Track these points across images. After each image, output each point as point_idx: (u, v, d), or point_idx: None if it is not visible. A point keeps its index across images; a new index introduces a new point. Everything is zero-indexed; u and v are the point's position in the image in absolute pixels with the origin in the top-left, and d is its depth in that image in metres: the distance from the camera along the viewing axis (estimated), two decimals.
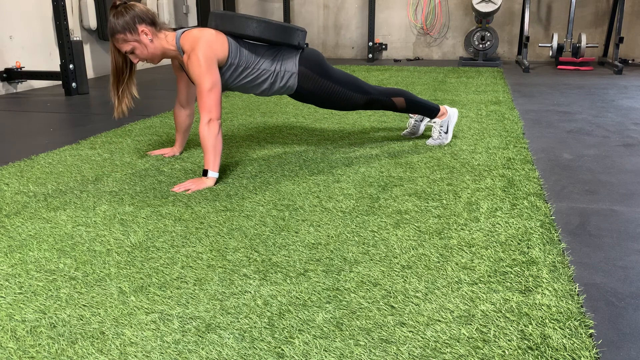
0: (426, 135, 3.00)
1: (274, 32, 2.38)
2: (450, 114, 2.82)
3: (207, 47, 2.24)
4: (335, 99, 2.56)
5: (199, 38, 2.25)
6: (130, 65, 2.33)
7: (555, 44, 6.27)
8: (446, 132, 2.82)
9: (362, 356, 1.15)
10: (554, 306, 1.32)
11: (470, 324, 1.26)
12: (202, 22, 6.97)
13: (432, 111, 2.79)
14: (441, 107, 2.82)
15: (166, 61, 6.83)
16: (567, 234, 1.77)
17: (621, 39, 5.99)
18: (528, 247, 1.64)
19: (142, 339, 1.22)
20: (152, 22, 2.27)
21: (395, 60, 7.33)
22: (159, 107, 3.99)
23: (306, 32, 2.51)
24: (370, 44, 7.08)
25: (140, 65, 6.31)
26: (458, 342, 1.19)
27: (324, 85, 2.50)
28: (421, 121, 2.97)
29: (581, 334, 1.21)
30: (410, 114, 2.95)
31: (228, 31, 2.35)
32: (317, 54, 2.54)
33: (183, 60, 2.30)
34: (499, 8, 6.20)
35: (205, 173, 2.23)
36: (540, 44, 6.72)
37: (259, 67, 2.40)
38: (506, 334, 1.22)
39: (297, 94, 2.54)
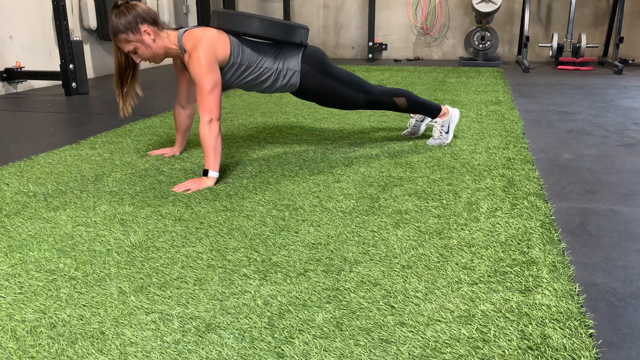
0: (426, 135, 3.01)
1: (276, 30, 2.38)
2: (452, 115, 2.82)
3: (209, 47, 2.24)
4: (336, 98, 2.57)
5: (201, 38, 2.25)
6: (133, 65, 2.33)
7: (555, 44, 6.27)
8: (447, 132, 2.82)
9: (362, 356, 1.15)
10: (554, 306, 1.32)
11: (470, 324, 1.26)
12: (202, 22, 6.97)
13: (433, 111, 2.79)
14: (442, 107, 2.82)
15: (167, 61, 6.83)
16: (567, 234, 1.77)
17: (621, 39, 5.99)
18: (528, 247, 1.64)
19: (142, 339, 1.22)
20: (154, 21, 2.27)
21: (395, 60, 7.33)
22: (159, 107, 3.99)
23: (308, 29, 2.52)
24: (370, 44, 7.08)
25: (141, 65, 6.31)
26: (458, 342, 1.19)
27: (326, 83, 2.50)
28: (422, 121, 2.97)
29: (581, 334, 1.21)
30: (411, 114, 2.96)
31: (230, 30, 2.35)
32: (320, 52, 2.54)
33: (185, 59, 2.30)
34: (499, 8, 6.20)
35: (205, 173, 2.23)
36: (540, 44, 6.72)
37: (262, 66, 2.40)
38: (506, 334, 1.22)
39: (299, 92, 2.54)
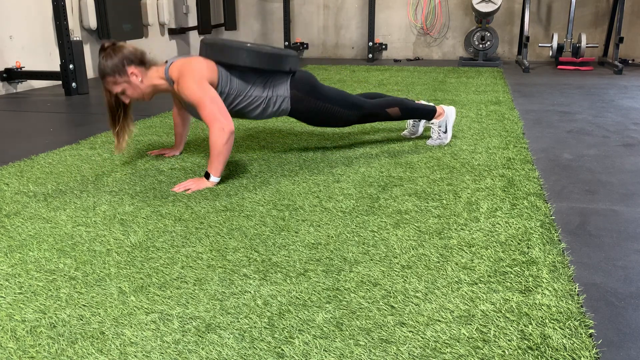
0: (426, 135, 3.01)
1: (264, 60, 2.38)
2: (448, 114, 2.81)
3: (196, 69, 2.25)
4: (329, 118, 2.58)
5: (186, 63, 2.27)
6: (124, 104, 2.35)
7: (555, 44, 6.28)
8: (445, 132, 2.82)
9: (362, 356, 1.15)
10: (554, 306, 1.32)
11: (470, 324, 1.26)
12: (202, 22, 6.97)
13: (429, 113, 2.79)
14: (437, 107, 2.81)
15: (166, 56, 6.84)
16: (567, 234, 1.77)
17: (621, 39, 5.99)
18: (528, 247, 1.64)
19: (142, 339, 1.22)
20: (141, 61, 2.29)
21: (395, 60, 7.33)
22: (159, 107, 3.99)
23: (297, 56, 2.52)
24: (370, 44, 7.09)
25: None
26: (458, 342, 1.19)
27: (317, 105, 2.51)
28: (419, 121, 2.97)
29: (581, 334, 1.21)
30: None
31: (218, 60, 2.35)
32: (308, 76, 2.54)
33: (175, 90, 2.31)
34: (499, 8, 6.20)
35: (207, 176, 2.22)
36: (540, 44, 6.73)
37: (251, 95, 2.40)
38: (506, 334, 1.22)
39: (291, 115, 2.56)
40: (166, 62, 2.34)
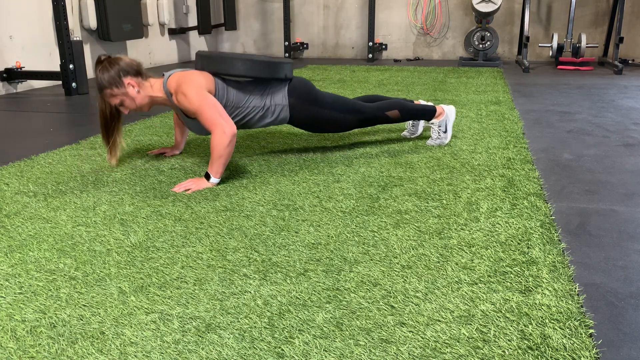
0: (426, 135, 3.00)
1: (259, 69, 2.40)
2: (448, 113, 2.81)
3: (193, 79, 2.26)
4: (329, 124, 2.60)
5: (182, 76, 2.29)
6: (118, 117, 2.37)
7: (555, 44, 6.28)
8: (445, 132, 2.82)
9: (362, 356, 1.15)
10: (554, 306, 1.32)
11: (470, 324, 1.26)
12: (202, 22, 6.97)
13: (428, 113, 2.79)
14: (437, 107, 2.81)
15: (166, 60, 6.83)
16: (567, 234, 1.77)
17: (621, 39, 5.99)
18: (528, 247, 1.64)
19: (142, 339, 1.22)
20: (138, 72, 2.30)
21: (395, 60, 7.33)
22: (159, 107, 3.98)
23: (292, 63, 2.53)
24: (370, 44, 7.09)
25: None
26: (458, 342, 1.19)
27: (316, 112, 2.52)
28: (419, 121, 2.97)
29: (581, 334, 1.21)
30: None
31: (214, 72, 2.37)
32: (305, 83, 2.55)
33: (173, 102, 2.32)
34: (499, 8, 6.20)
35: (207, 176, 2.22)
36: (540, 44, 6.73)
37: (249, 105, 2.41)
38: (506, 334, 1.22)
39: (291, 123, 2.57)
40: (163, 74, 2.36)
